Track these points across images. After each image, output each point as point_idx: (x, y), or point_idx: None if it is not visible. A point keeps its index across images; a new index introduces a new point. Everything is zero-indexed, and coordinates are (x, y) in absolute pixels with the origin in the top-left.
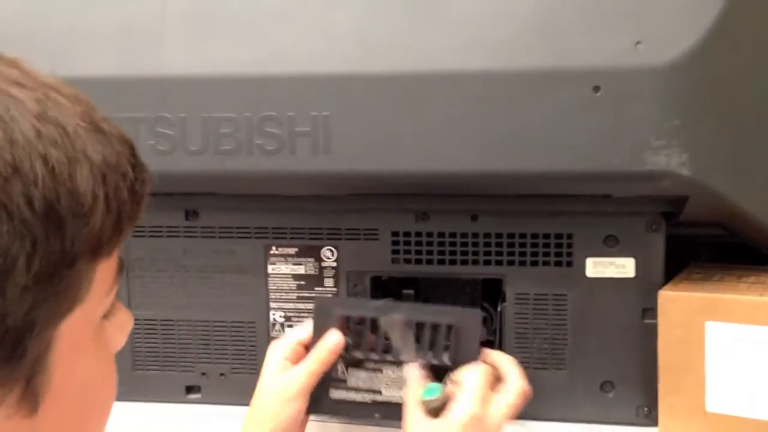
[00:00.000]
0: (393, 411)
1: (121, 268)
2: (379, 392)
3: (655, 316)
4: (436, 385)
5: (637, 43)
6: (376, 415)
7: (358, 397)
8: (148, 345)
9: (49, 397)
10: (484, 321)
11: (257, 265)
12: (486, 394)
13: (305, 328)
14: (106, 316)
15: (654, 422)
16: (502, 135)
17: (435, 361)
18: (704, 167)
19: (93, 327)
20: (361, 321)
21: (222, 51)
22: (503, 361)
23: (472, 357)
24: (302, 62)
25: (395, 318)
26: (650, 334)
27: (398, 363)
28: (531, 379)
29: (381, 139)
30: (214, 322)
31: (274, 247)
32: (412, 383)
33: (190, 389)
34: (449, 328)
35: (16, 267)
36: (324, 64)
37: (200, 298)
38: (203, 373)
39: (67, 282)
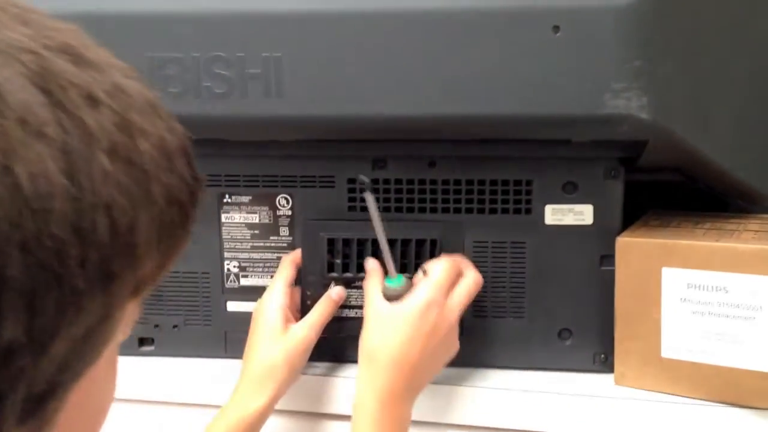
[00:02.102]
0: None
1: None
2: None
3: (613, 264)
4: (400, 275)
5: None
6: None
7: (351, 313)
8: None
9: (62, 418)
10: None
11: (210, 213)
12: (447, 283)
13: (286, 270)
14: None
15: (610, 369)
16: (459, 77)
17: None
18: (664, 111)
19: (114, 349)
20: (348, 242)
21: None
22: (459, 258)
23: None
24: (253, 0)
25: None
26: (608, 282)
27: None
28: (489, 327)
29: (336, 82)
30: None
31: (227, 196)
32: (371, 274)
33: (142, 341)
34: (433, 242)
35: (53, 340)
36: (276, 1)
37: None
38: (156, 325)
39: (103, 331)
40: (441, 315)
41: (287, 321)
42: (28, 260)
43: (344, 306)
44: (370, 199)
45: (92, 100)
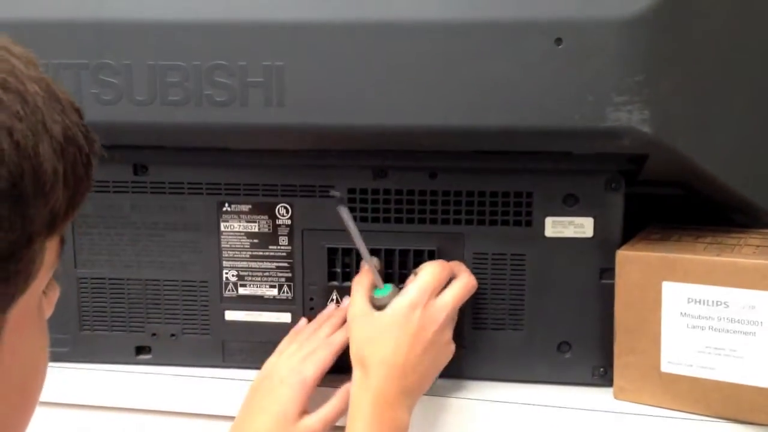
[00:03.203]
0: None
1: (63, 241)
2: None
3: (613, 277)
4: (388, 285)
5: None
6: None
7: None
8: (95, 304)
9: None
10: None
11: (209, 222)
12: (434, 284)
13: (331, 353)
14: (43, 292)
15: (609, 383)
16: (461, 88)
17: None
18: (666, 125)
19: (36, 304)
20: (348, 251)
21: None
22: (455, 263)
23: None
24: (255, 8)
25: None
26: (608, 295)
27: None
28: (487, 339)
29: (337, 92)
30: (165, 281)
31: (226, 204)
32: (358, 280)
33: (140, 350)
34: (432, 253)
35: None
36: (278, 11)
37: (150, 256)
38: (153, 334)
39: (24, 262)
40: (426, 315)
41: (303, 412)
42: None
43: None
44: (344, 213)
45: None
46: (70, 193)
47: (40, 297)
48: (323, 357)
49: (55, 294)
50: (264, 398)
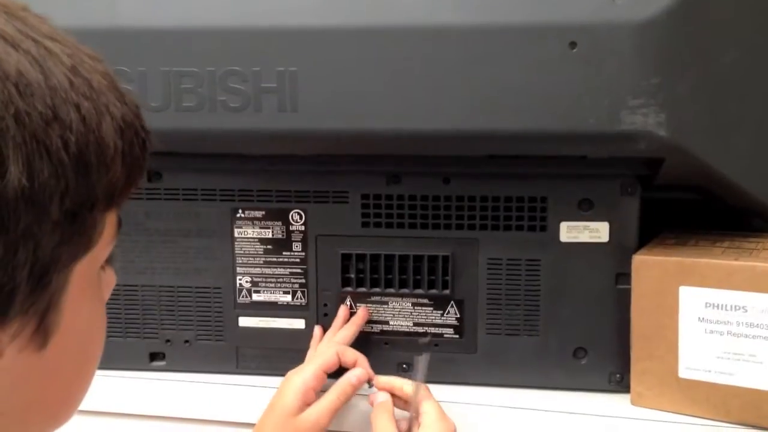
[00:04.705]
0: (400, 339)
1: (120, 223)
2: (387, 323)
3: (629, 282)
4: None
5: None
6: (385, 344)
7: (367, 328)
8: (110, 311)
9: (57, 336)
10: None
11: (223, 228)
12: None
13: (329, 356)
14: (102, 267)
15: (626, 389)
16: (475, 93)
17: (434, 292)
18: (682, 128)
19: (96, 275)
20: (362, 257)
21: (184, 0)
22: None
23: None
24: (269, 14)
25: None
26: (624, 300)
27: (401, 295)
28: (502, 345)
29: (350, 97)
30: (179, 287)
31: (240, 210)
32: (380, 409)
33: (154, 356)
34: (446, 259)
35: (53, 203)
36: (292, 16)
37: (164, 263)
38: (167, 340)
39: (87, 224)
40: None
41: (305, 404)
42: (21, 130)
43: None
44: (423, 362)
45: (52, 38)
46: (127, 171)
47: (99, 272)
48: (324, 354)
49: (113, 280)
50: (273, 397)
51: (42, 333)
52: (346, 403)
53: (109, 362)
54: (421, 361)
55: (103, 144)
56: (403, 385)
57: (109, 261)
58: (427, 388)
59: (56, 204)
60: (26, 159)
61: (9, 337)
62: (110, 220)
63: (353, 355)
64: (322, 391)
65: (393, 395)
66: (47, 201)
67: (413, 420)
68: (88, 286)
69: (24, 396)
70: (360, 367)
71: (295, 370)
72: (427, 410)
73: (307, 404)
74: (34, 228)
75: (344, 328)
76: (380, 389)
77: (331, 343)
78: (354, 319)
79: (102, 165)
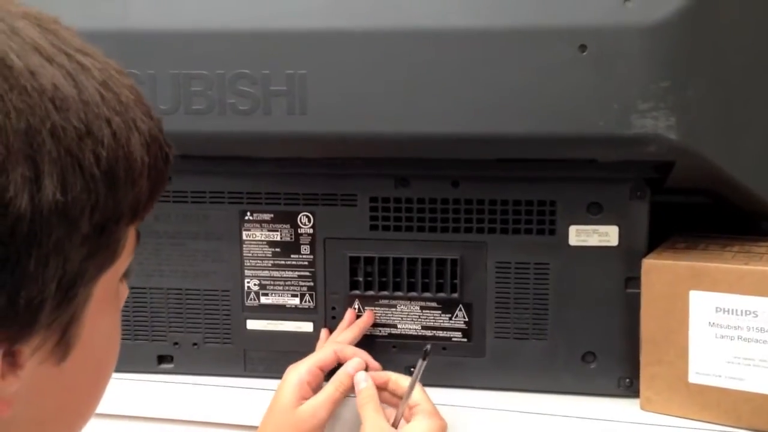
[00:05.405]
0: (408, 343)
1: (139, 236)
2: (395, 326)
3: (638, 286)
4: None
5: (626, 0)
6: (393, 348)
7: (375, 331)
8: None
9: (77, 349)
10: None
11: (231, 231)
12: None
13: (326, 354)
14: (120, 280)
15: (635, 393)
16: (484, 96)
17: (442, 296)
18: (692, 131)
19: (115, 288)
20: (370, 260)
21: (194, 3)
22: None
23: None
24: (278, 17)
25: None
26: (633, 304)
27: (409, 298)
28: (511, 349)
29: (359, 100)
30: (187, 290)
31: (248, 213)
32: (366, 399)
33: (162, 359)
34: (454, 262)
35: (83, 217)
36: (301, 19)
37: (172, 265)
38: (175, 343)
39: (113, 238)
40: None
41: (302, 398)
42: (56, 144)
43: (372, 324)
44: (420, 367)
45: (83, 53)
46: (151, 185)
47: (118, 283)
48: (321, 352)
49: (126, 292)
50: (274, 394)
51: (63, 346)
52: (345, 395)
53: (118, 365)
54: (420, 364)
55: (132, 159)
56: (398, 379)
57: (126, 274)
58: (422, 388)
59: (86, 218)
60: (60, 173)
61: (31, 350)
62: (131, 234)
63: (352, 352)
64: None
65: (386, 389)
66: (78, 215)
67: (402, 414)
68: (108, 298)
69: (41, 408)
70: (360, 358)
71: (291, 367)
72: (420, 404)
73: (303, 398)
74: (65, 242)
75: (348, 330)
76: (376, 382)
77: (330, 342)
78: (358, 322)
79: (129, 179)
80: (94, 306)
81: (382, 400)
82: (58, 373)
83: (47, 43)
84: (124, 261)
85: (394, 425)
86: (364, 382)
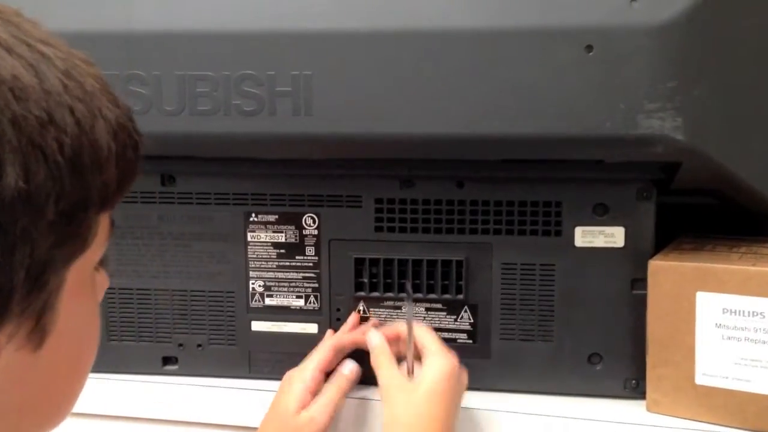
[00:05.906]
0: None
1: (113, 224)
2: None
3: (644, 287)
4: None
5: (633, 0)
6: None
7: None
8: (123, 315)
9: (52, 336)
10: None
11: (236, 232)
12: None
13: (324, 353)
14: (96, 269)
15: (642, 395)
16: (490, 96)
17: (448, 297)
18: (699, 132)
19: (90, 276)
20: (375, 261)
21: (199, 4)
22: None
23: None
24: (283, 18)
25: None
26: (639, 306)
27: (415, 300)
28: (516, 350)
29: (365, 101)
30: (192, 291)
31: (253, 214)
32: (378, 352)
33: (166, 360)
34: (460, 263)
35: (48, 204)
36: (306, 20)
37: (177, 267)
38: (180, 344)
39: (82, 226)
40: (459, 381)
41: (303, 406)
42: (17, 133)
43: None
44: (409, 308)
45: (46, 43)
46: (120, 173)
47: (93, 272)
48: (323, 353)
49: (106, 282)
50: (274, 396)
51: (38, 333)
52: (344, 396)
53: (122, 366)
54: (407, 305)
55: (97, 146)
56: (400, 326)
57: (102, 263)
58: (428, 329)
59: (52, 205)
60: (23, 162)
61: (6, 338)
62: (103, 222)
63: (349, 339)
64: None
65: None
66: (43, 202)
67: (411, 362)
68: (83, 287)
69: (19, 396)
70: (360, 332)
71: (294, 370)
72: (426, 345)
73: (304, 406)
74: (31, 229)
75: (349, 333)
76: (388, 337)
77: (327, 339)
78: (361, 327)
79: (96, 167)
80: (69, 294)
81: (398, 354)
82: (35, 361)
83: (7, 35)
84: (97, 249)
85: (409, 374)
86: (376, 339)
